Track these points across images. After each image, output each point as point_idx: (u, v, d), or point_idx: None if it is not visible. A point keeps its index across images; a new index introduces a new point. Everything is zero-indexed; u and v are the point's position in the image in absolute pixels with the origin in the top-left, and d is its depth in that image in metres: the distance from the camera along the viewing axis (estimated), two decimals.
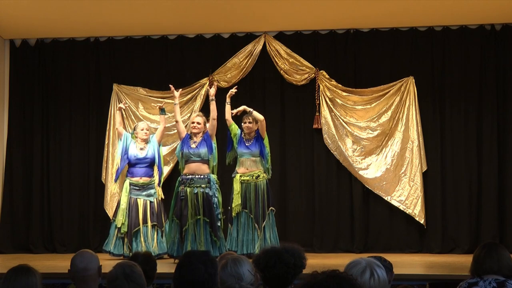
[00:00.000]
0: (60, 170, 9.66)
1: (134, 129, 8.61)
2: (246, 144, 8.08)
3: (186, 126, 8.64)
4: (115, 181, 8.77)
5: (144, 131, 8.49)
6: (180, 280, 3.12)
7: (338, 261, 7.23)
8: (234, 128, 8.11)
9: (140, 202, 8.31)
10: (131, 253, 7.98)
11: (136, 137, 8.51)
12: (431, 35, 9.28)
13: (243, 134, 8.12)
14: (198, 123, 7.97)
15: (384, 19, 9.15)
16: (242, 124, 8.14)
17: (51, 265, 7.68)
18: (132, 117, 9.47)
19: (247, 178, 8.02)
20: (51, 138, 9.71)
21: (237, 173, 8.08)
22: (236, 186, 8.00)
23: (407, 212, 9.07)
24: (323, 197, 9.32)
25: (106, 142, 9.48)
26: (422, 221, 9.03)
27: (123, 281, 3.32)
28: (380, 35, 9.38)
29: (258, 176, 8.04)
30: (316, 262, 6.95)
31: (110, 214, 9.31)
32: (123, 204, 8.30)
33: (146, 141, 8.48)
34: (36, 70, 9.75)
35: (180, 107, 9.27)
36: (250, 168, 8.04)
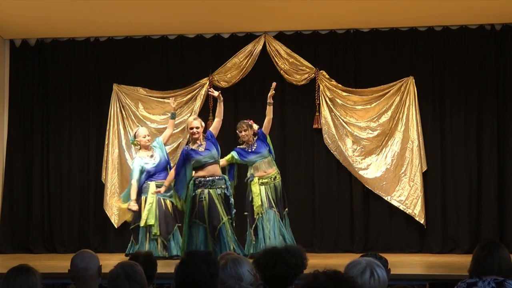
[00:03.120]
0: (60, 170, 9.65)
1: (135, 136, 8.35)
2: (252, 150, 7.98)
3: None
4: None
5: (146, 138, 8.25)
6: (181, 279, 3.11)
7: (338, 261, 7.21)
8: (230, 156, 8.00)
9: (168, 202, 8.12)
10: (167, 254, 7.93)
11: (138, 144, 8.30)
12: (431, 35, 9.28)
13: (243, 145, 8.04)
14: (196, 127, 7.72)
15: (384, 19, 9.16)
16: (238, 133, 8.02)
17: (51, 265, 7.66)
18: (132, 117, 9.47)
19: (266, 180, 7.96)
20: (51, 138, 9.70)
21: (254, 177, 7.97)
22: (255, 189, 7.90)
23: (407, 212, 9.07)
24: (323, 197, 9.32)
25: (106, 142, 9.48)
26: (422, 221, 9.03)
27: (124, 281, 3.32)
28: (380, 35, 9.38)
29: (275, 177, 8.02)
30: (316, 262, 6.88)
31: (110, 214, 9.30)
32: (151, 205, 8.01)
33: (149, 147, 8.27)
34: (36, 70, 9.75)
35: (180, 107, 9.33)
36: (267, 170, 7.98)
